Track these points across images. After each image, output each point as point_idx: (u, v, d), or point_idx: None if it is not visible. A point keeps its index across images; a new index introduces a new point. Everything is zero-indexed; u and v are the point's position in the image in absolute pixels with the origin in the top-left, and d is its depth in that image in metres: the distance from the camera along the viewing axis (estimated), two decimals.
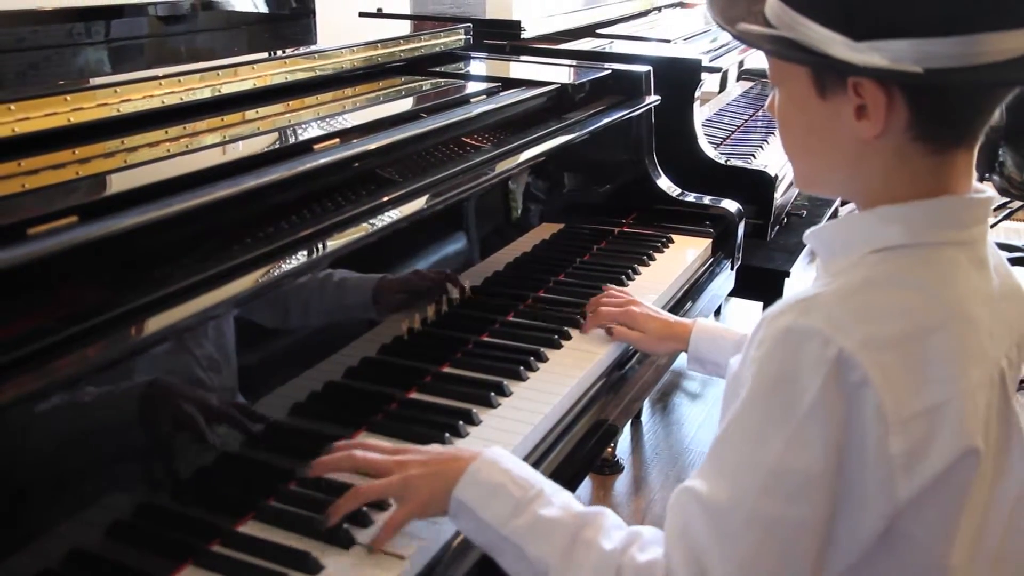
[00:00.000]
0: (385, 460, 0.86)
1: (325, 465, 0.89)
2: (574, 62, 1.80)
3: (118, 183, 0.89)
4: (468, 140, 1.31)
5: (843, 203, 2.43)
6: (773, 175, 1.89)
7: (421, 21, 1.96)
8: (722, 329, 1.20)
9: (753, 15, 0.72)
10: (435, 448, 0.90)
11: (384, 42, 1.46)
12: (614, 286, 1.36)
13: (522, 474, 0.82)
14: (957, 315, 0.69)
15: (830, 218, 2.23)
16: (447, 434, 1.00)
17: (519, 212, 1.42)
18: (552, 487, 0.81)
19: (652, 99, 1.69)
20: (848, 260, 0.73)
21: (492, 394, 1.09)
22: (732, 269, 1.68)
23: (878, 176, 0.72)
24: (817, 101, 0.72)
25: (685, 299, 1.50)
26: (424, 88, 1.43)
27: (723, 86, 2.25)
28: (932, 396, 0.66)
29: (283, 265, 0.90)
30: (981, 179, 0.75)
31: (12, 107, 0.90)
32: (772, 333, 0.69)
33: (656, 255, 1.58)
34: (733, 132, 2.28)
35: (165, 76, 1.08)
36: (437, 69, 1.57)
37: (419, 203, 1.10)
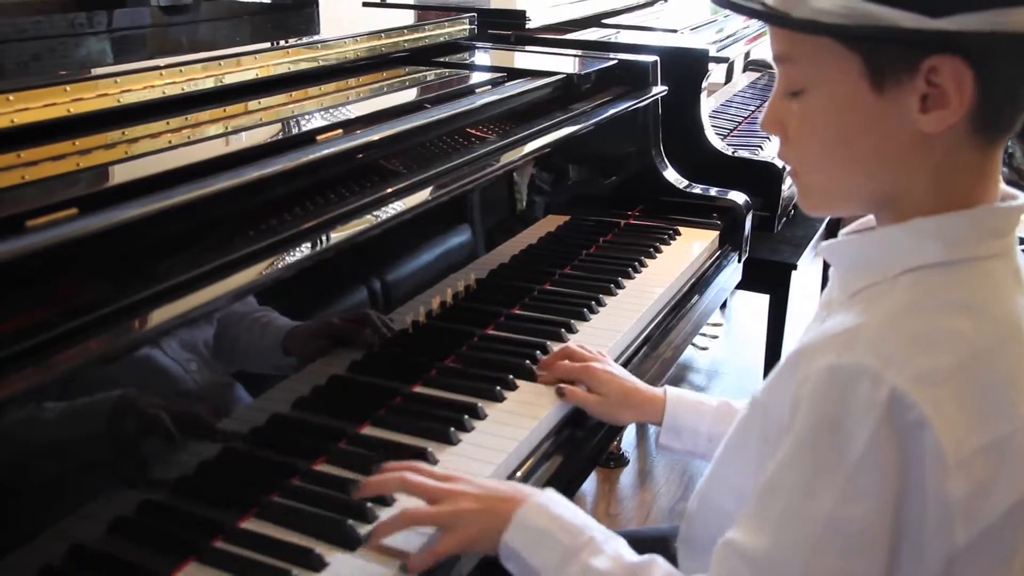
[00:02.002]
0: (437, 487, 0.83)
1: (375, 486, 0.86)
2: (580, 52, 1.79)
3: (119, 174, 0.88)
4: (473, 131, 1.30)
5: None
6: (780, 167, 1.87)
7: (425, 11, 1.94)
8: (698, 396, 1.06)
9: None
10: (488, 482, 0.86)
11: (388, 32, 1.44)
12: (574, 346, 1.13)
13: (573, 520, 0.78)
14: (1009, 334, 0.64)
15: (836, 222, 2.21)
16: (452, 428, 0.99)
17: (524, 204, 1.41)
18: (604, 534, 0.78)
19: (659, 89, 1.67)
20: (877, 279, 0.67)
21: (498, 388, 1.08)
22: (739, 261, 1.67)
23: (923, 179, 0.66)
24: (870, 98, 0.64)
25: (692, 292, 1.48)
26: (428, 78, 1.42)
27: (729, 77, 2.24)
28: (993, 431, 0.61)
29: (286, 257, 0.89)
30: None
31: (11, 97, 0.89)
32: (814, 372, 0.63)
33: (663, 247, 1.57)
34: (740, 123, 2.27)
35: (167, 66, 1.06)
36: (441, 59, 1.56)
37: (423, 195, 1.08)
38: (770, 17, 0.67)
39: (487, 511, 0.81)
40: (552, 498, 0.81)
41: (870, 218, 0.74)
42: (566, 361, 1.10)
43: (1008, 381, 0.62)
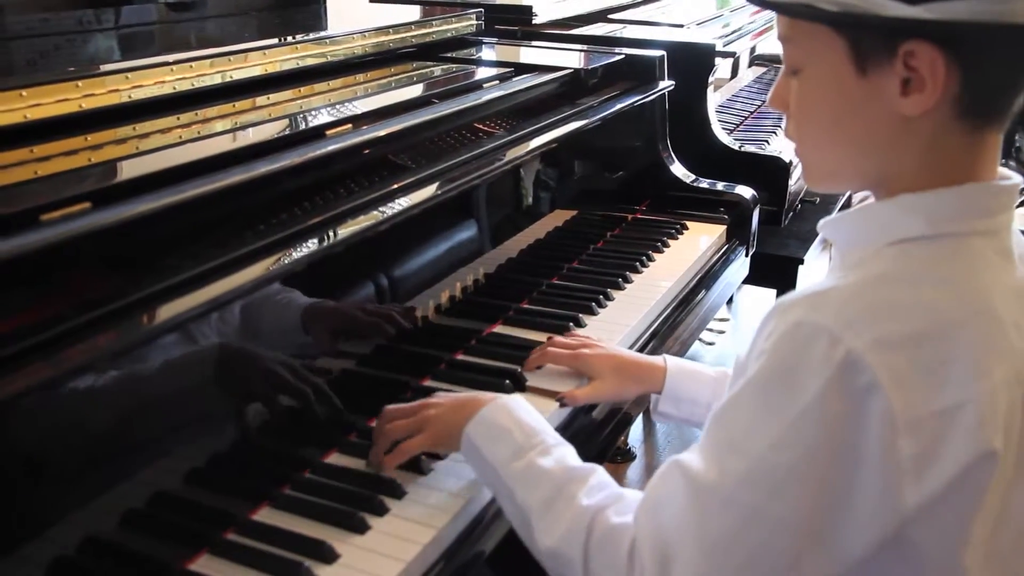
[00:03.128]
0: (412, 405, 0.93)
1: (379, 442, 0.92)
2: (586, 47, 1.78)
3: (130, 169, 0.89)
4: (480, 126, 1.30)
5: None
6: (787, 161, 1.87)
7: (432, 6, 1.94)
8: (697, 365, 1.09)
9: None
10: (458, 394, 0.94)
11: (395, 27, 1.44)
12: (561, 337, 1.15)
13: (530, 423, 0.84)
14: (981, 311, 0.65)
15: (843, 206, 2.21)
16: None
17: (532, 199, 1.41)
18: (556, 439, 0.84)
19: (666, 84, 1.67)
20: (865, 251, 0.70)
21: (507, 382, 1.08)
22: (747, 256, 1.67)
23: (912, 159, 0.68)
24: (854, 79, 0.66)
25: (699, 287, 1.48)
26: (435, 74, 1.42)
27: (735, 72, 2.23)
28: (949, 397, 0.63)
29: (295, 252, 0.89)
30: None
31: (24, 93, 0.89)
32: (781, 325, 0.66)
33: (670, 242, 1.57)
34: (746, 118, 2.27)
35: (176, 62, 1.07)
36: (449, 55, 1.56)
37: (431, 190, 1.09)
38: (760, 1, 0.70)
39: (456, 408, 0.88)
40: (518, 401, 0.87)
41: (870, 200, 0.75)
42: (554, 349, 1.11)
43: (971, 354, 0.64)
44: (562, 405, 1.06)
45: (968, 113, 0.66)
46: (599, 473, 0.79)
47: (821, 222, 0.75)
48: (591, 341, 1.13)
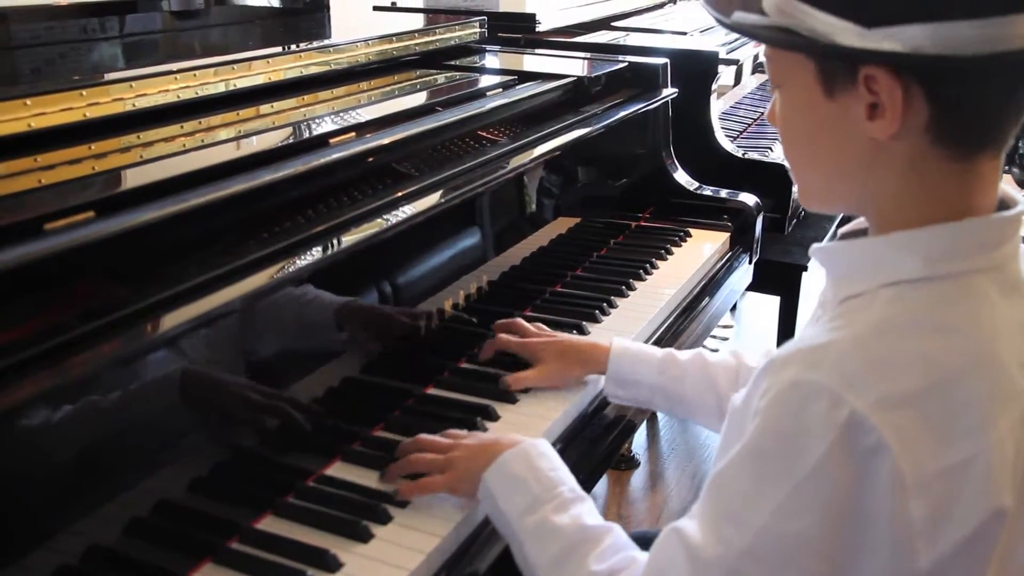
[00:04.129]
0: (442, 440, 0.91)
1: (398, 467, 0.91)
2: (590, 55, 1.79)
3: (134, 178, 0.89)
4: (484, 134, 1.30)
5: None
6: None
7: (435, 14, 1.95)
8: (644, 348, 1.10)
9: (749, 5, 0.66)
10: (491, 434, 0.93)
11: (398, 36, 1.45)
12: (521, 321, 1.18)
13: (549, 474, 0.81)
14: (983, 359, 0.62)
15: (839, 223, 2.21)
16: (466, 430, 0.99)
17: (535, 206, 1.41)
18: (575, 494, 0.80)
19: (669, 92, 1.68)
20: (859, 289, 0.66)
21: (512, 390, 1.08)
22: (750, 263, 1.67)
23: (892, 184, 0.65)
24: (823, 101, 0.65)
25: (703, 294, 1.48)
26: (439, 82, 1.43)
27: (738, 79, 2.24)
28: (957, 453, 0.60)
29: (299, 261, 0.89)
30: None
31: (28, 102, 0.90)
32: (776, 384, 0.63)
33: (674, 249, 1.57)
34: (750, 125, 2.27)
35: (180, 71, 1.07)
36: (452, 63, 1.57)
37: (434, 198, 1.09)
38: (719, 20, 0.69)
39: (475, 455, 0.86)
40: (538, 448, 0.84)
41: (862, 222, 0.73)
42: (505, 336, 1.14)
43: (977, 403, 0.61)
44: (505, 389, 1.07)
45: (946, 139, 0.63)
46: (615, 534, 0.76)
47: (813, 247, 0.73)
48: (539, 329, 1.15)
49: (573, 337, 1.15)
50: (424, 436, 0.93)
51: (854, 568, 0.62)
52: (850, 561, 0.62)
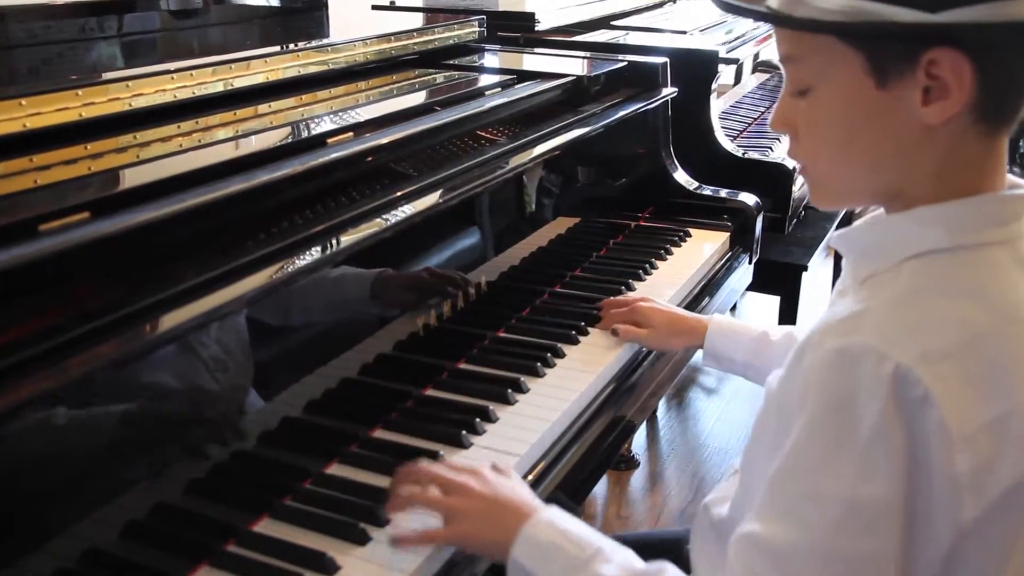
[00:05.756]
0: (450, 478, 0.85)
1: (398, 488, 0.87)
2: (589, 54, 1.78)
3: (130, 178, 0.88)
4: (483, 134, 1.30)
5: None
6: (791, 168, 1.86)
7: (434, 14, 1.94)
8: (739, 325, 1.17)
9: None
10: (500, 486, 0.85)
11: (397, 35, 1.44)
12: (614, 298, 1.29)
13: (580, 534, 0.78)
14: (1011, 318, 0.64)
15: (845, 216, 2.20)
16: (464, 432, 0.99)
17: (534, 206, 1.41)
18: (612, 545, 0.78)
19: (669, 91, 1.67)
20: (883, 266, 0.68)
21: (509, 391, 1.07)
22: (750, 263, 1.66)
23: (929, 169, 0.67)
24: (873, 93, 0.65)
25: (703, 294, 1.48)
26: (438, 81, 1.42)
27: (738, 78, 2.23)
28: (996, 407, 0.62)
29: (297, 261, 0.89)
30: None
31: (23, 102, 0.89)
32: (822, 356, 0.64)
33: (674, 249, 1.56)
34: (750, 125, 2.26)
35: (177, 70, 1.06)
36: (451, 62, 1.56)
37: (433, 198, 1.08)
38: (774, 18, 0.68)
39: (491, 517, 0.82)
40: (557, 513, 0.81)
41: (880, 211, 0.74)
42: (615, 310, 1.25)
43: (1009, 363, 0.63)
44: (615, 335, 1.20)
45: (985, 117, 0.65)
46: (670, 570, 0.74)
47: (833, 236, 0.74)
48: (646, 296, 1.26)
49: (679, 309, 1.25)
50: (426, 467, 0.87)
51: (922, 523, 0.63)
52: (920, 516, 0.62)
